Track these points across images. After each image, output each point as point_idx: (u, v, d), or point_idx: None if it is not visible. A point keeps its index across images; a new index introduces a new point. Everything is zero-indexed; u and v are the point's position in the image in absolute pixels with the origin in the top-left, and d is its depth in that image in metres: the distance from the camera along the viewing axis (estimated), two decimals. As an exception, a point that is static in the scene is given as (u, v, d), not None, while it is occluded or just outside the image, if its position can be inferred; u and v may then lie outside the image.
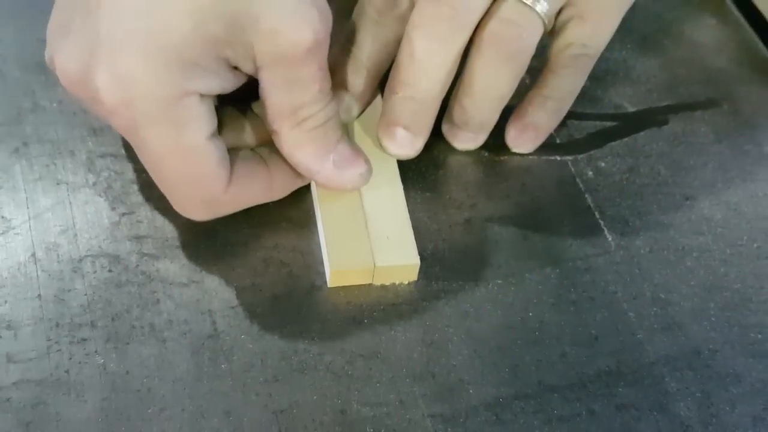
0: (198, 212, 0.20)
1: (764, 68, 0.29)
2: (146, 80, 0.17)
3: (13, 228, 0.20)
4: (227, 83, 0.18)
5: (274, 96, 0.19)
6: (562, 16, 0.22)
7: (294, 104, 0.19)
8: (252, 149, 0.21)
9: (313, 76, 0.19)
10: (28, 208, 0.21)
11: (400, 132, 0.22)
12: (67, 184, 0.21)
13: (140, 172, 0.22)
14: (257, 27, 0.17)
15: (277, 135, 0.19)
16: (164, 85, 0.17)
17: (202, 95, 0.18)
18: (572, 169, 0.25)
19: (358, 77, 0.22)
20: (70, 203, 0.21)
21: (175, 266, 0.20)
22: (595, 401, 0.20)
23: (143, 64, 0.17)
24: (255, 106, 0.21)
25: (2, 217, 0.21)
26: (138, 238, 0.20)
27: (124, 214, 0.21)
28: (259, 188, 0.20)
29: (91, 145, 0.22)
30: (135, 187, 0.22)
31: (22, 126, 0.23)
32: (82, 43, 0.17)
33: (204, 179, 0.19)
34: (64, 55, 0.18)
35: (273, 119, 0.19)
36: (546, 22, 0.21)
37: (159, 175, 0.19)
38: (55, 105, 0.23)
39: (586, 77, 0.24)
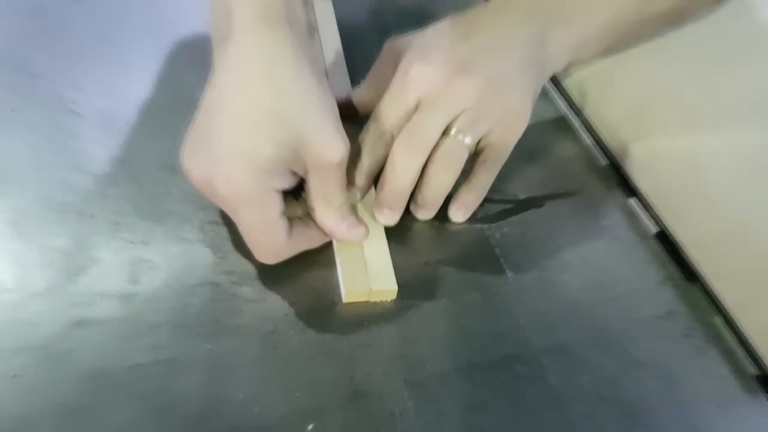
0: (269, 258, 0.30)
1: (601, 172, 0.41)
2: (245, 183, 0.26)
3: (159, 265, 0.30)
4: (290, 182, 0.28)
5: (315, 188, 0.29)
6: (482, 142, 0.33)
7: (325, 193, 0.29)
8: (300, 218, 0.31)
9: (338, 177, 0.29)
10: (164, 255, 0.30)
11: (386, 211, 0.33)
12: (188, 240, 0.31)
13: (232, 232, 0.32)
14: (308, 151, 0.27)
15: (314, 210, 0.30)
16: (255, 186, 0.26)
17: (276, 190, 0.28)
18: (487, 233, 0.36)
19: (360, 178, 0.33)
20: (193, 251, 0.31)
21: (251, 289, 0.30)
22: (501, 373, 0.30)
23: (243, 173, 0.26)
24: (304, 194, 0.31)
25: (149, 260, 0.30)
26: (229, 272, 0.31)
27: (221, 258, 0.31)
28: (304, 242, 0.31)
29: (201, 216, 0.32)
30: (228, 241, 0.32)
31: (161, 204, 0.33)
32: (206, 160, 0.27)
33: (275, 238, 0.29)
34: (194, 167, 0.27)
35: (313, 201, 0.30)
36: (470, 148, 0.32)
37: (247, 235, 0.29)
38: (181, 192, 0.33)
39: (496, 175, 0.35)
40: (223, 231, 0.32)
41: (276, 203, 0.28)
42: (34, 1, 0.42)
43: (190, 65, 0.40)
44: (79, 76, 0.38)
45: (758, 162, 0.35)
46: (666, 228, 0.37)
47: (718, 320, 0.35)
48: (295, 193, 0.31)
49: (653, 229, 0.38)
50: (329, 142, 0.27)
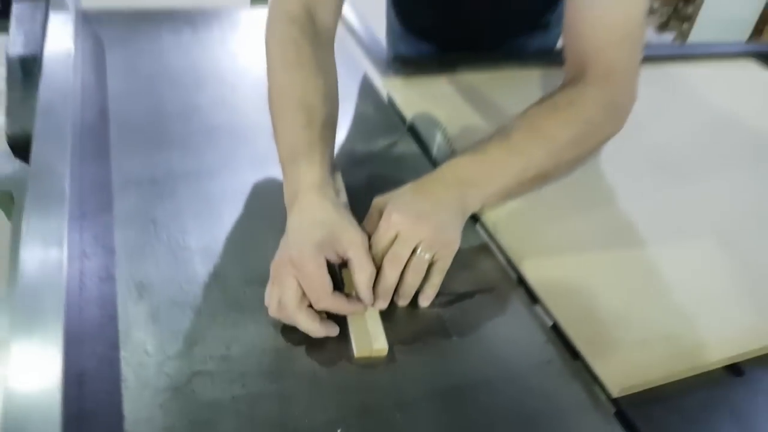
0: (318, 301, 0.50)
1: (511, 279, 0.66)
2: (307, 251, 0.50)
3: (241, 339, 0.52)
4: (334, 257, 0.52)
5: (352, 259, 0.52)
6: (434, 257, 0.55)
7: (359, 262, 0.52)
8: (342, 292, 0.53)
9: (363, 252, 0.52)
10: (244, 332, 0.52)
11: (380, 300, 0.55)
12: (259, 322, 0.53)
13: (286, 326, 0.54)
14: (343, 238, 0.52)
15: (354, 275, 0.53)
16: (313, 253, 0.50)
17: (325, 258, 0.50)
18: (440, 313, 0.57)
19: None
20: (260, 331, 0.52)
21: (299, 350, 0.53)
22: (442, 400, 0.52)
23: (306, 246, 0.50)
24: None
25: (236, 336, 0.52)
26: (286, 340, 0.53)
27: (278, 332, 0.53)
28: (340, 302, 0.52)
29: (266, 314, 0.55)
30: (281, 324, 0.54)
31: (242, 302, 0.54)
32: (285, 250, 0.52)
33: (322, 288, 0.50)
34: (278, 257, 0.53)
35: (352, 269, 0.52)
36: (428, 261, 0.55)
37: (307, 285, 0.49)
38: (254, 295, 0.55)
39: (443, 276, 0.57)
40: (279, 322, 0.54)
41: (324, 266, 0.51)
42: (150, 175, 0.66)
43: (266, 220, 0.64)
44: (188, 223, 0.61)
45: (619, 271, 0.59)
46: (556, 321, 0.59)
47: (596, 388, 0.55)
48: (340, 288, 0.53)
49: (548, 321, 0.60)
50: (354, 233, 0.54)
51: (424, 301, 0.58)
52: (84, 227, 0.58)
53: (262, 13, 0.90)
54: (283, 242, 0.54)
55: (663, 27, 3.49)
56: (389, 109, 0.86)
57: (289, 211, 0.56)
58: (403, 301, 0.57)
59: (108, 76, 0.82)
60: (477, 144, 0.64)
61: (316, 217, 0.53)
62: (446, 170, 0.61)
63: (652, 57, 1.13)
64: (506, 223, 0.67)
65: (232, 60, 0.92)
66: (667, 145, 0.87)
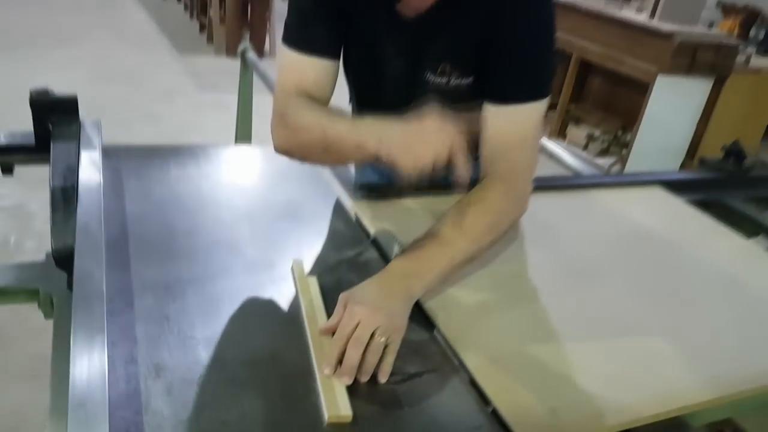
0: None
1: (451, 361, 0.82)
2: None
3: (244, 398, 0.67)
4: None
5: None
6: (387, 340, 0.72)
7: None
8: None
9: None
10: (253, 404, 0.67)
11: (346, 377, 0.69)
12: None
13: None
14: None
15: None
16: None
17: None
18: (394, 387, 0.71)
19: (332, 361, 0.71)
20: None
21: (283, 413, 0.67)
22: None
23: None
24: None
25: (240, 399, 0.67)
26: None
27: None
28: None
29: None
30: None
31: (235, 380, 0.70)
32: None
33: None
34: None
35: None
36: (383, 343, 0.72)
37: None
38: (249, 380, 0.71)
39: (395, 356, 0.73)
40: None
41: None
42: (163, 281, 0.83)
43: (257, 314, 0.80)
44: (194, 318, 0.77)
45: (540, 355, 0.76)
46: (486, 395, 0.74)
47: None
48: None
49: (481, 398, 0.76)
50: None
51: (382, 378, 0.73)
52: (112, 322, 0.73)
53: (245, 148, 1.11)
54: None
55: (604, 153, 3.87)
56: (356, 226, 1.05)
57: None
58: (364, 377, 0.72)
59: (126, 201, 1.00)
60: (415, 241, 0.86)
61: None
62: (394, 265, 0.82)
63: (579, 185, 1.36)
64: (449, 316, 0.84)
65: (226, 187, 1.12)
66: (583, 255, 1.06)
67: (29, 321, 1.84)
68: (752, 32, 5.18)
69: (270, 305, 0.73)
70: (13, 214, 2.43)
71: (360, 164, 1.34)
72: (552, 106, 4.32)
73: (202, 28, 6.02)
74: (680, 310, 0.95)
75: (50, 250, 0.81)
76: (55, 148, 1.02)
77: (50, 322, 0.79)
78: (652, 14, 3.53)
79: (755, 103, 3.81)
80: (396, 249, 0.94)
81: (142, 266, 0.85)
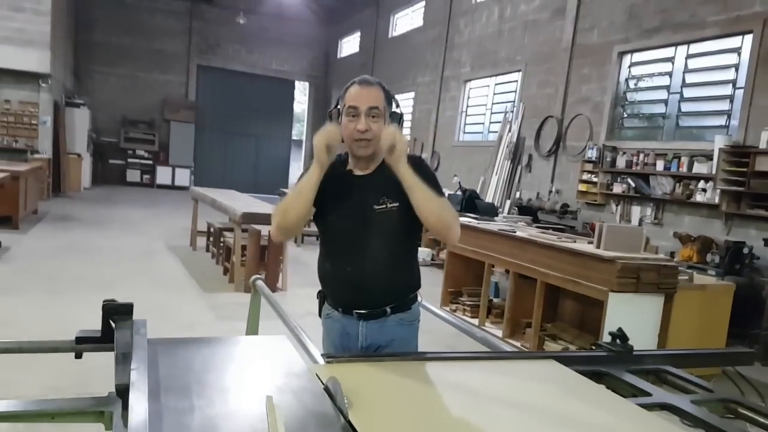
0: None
1: None
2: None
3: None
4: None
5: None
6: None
7: None
8: None
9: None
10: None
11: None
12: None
13: None
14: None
15: None
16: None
17: None
18: None
19: None
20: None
21: None
22: None
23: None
24: None
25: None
26: None
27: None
28: None
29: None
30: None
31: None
32: None
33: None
34: None
35: None
36: None
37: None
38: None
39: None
40: None
41: None
42: (180, 407, 1.29)
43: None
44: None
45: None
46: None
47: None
48: None
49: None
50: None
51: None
52: (150, 424, 1.19)
53: (253, 338, 1.64)
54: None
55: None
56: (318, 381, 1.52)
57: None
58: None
59: (159, 366, 1.50)
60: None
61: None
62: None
63: (493, 356, 1.83)
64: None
65: (240, 367, 1.61)
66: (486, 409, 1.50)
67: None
68: (708, 257, 5.88)
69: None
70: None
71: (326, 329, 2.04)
72: (527, 325, 4.82)
73: (225, 271, 6.85)
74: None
75: (113, 388, 1.29)
76: (118, 332, 1.55)
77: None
78: (598, 246, 4.20)
79: (708, 312, 4.29)
80: (336, 388, 1.40)
81: (168, 399, 1.32)
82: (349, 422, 1.29)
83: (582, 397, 1.57)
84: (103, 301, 1.67)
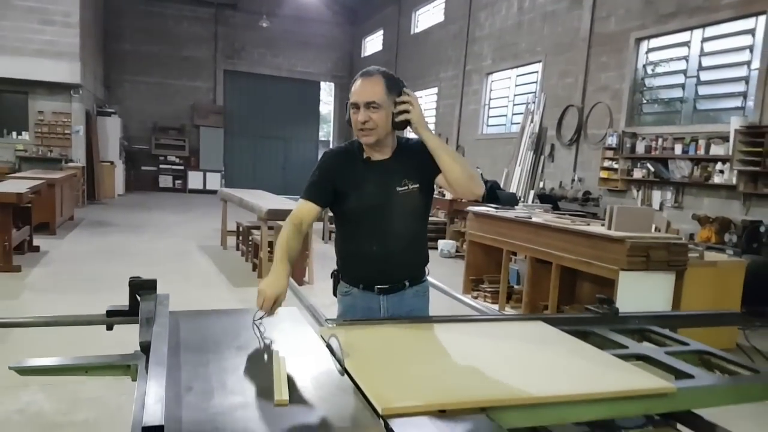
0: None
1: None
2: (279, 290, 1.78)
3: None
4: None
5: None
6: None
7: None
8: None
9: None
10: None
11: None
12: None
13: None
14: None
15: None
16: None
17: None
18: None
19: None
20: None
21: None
22: None
23: (275, 289, 1.79)
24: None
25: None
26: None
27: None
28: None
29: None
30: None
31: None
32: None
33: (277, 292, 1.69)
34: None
35: None
36: None
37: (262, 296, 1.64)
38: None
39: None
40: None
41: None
42: (197, 361, 1.48)
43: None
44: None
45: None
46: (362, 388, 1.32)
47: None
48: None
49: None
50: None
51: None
52: (168, 375, 1.38)
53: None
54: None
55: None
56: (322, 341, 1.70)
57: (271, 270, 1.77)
58: None
59: (180, 333, 1.69)
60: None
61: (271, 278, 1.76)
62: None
63: (491, 318, 1.98)
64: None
65: (254, 337, 1.81)
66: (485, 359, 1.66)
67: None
68: (726, 237, 5.89)
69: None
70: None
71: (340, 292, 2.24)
72: (545, 308, 4.93)
73: (254, 267, 7.09)
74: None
75: (138, 346, 1.49)
76: (143, 303, 1.76)
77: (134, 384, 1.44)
78: (609, 227, 4.29)
79: (721, 289, 4.35)
80: (335, 343, 1.57)
81: (187, 355, 1.51)
82: (344, 369, 1.46)
83: (561, 348, 1.72)
84: (130, 278, 1.88)
